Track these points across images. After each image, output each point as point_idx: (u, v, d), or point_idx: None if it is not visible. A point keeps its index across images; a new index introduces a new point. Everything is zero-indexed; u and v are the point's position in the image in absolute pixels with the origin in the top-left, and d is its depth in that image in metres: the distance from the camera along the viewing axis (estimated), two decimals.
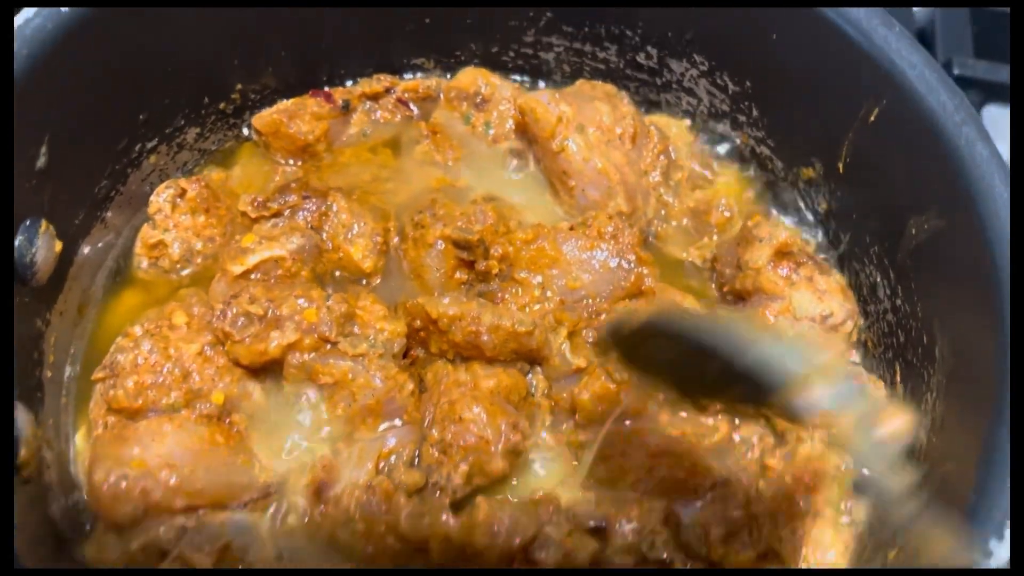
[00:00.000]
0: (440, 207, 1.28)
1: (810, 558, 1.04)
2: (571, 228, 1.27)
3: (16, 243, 1.01)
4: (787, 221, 1.37)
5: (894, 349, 1.15)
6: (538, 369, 1.22)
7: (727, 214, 1.30)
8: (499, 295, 1.24)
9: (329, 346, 1.13)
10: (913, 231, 1.10)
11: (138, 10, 1.11)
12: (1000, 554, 0.80)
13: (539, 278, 1.25)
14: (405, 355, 1.20)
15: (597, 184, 1.30)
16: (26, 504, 0.93)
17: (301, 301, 1.13)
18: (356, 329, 1.15)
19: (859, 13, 1.12)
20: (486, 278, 1.26)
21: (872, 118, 1.13)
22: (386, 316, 1.17)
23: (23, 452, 0.95)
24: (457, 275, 1.27)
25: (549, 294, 1.24)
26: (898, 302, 1.15)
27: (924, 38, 1.80)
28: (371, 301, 1.18)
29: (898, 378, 1.13)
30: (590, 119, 1.31)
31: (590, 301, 1.24)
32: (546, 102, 1.31)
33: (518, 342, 1.18)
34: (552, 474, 1.15)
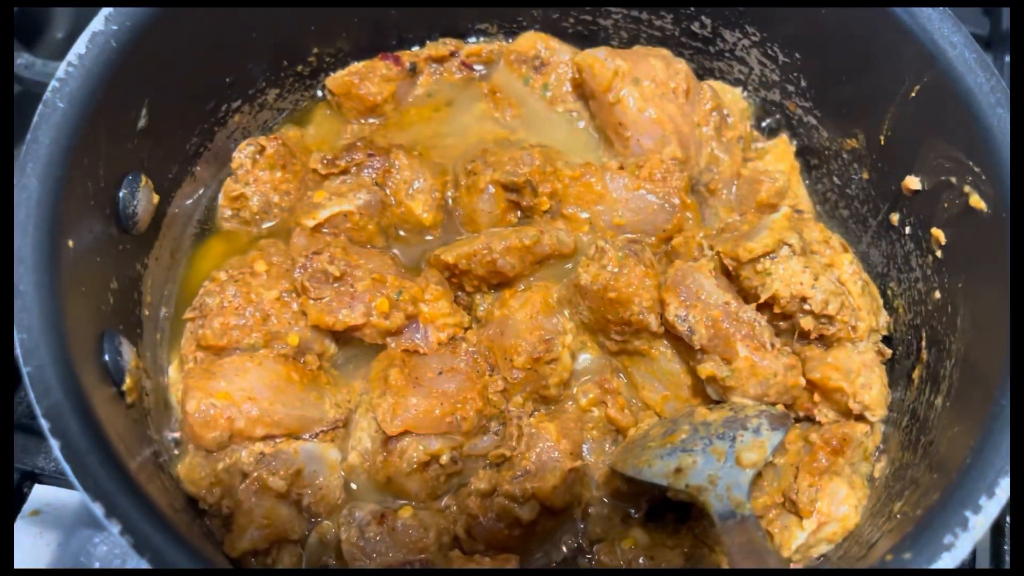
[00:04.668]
0: (491, 155, 1.37)
1: (824, 510, 1.13)
2: (620, 167, 1.35)
3: (120, 195, 1.14)
4: (831, 191, 1.43)
5: (922, 316, 1.21)
6: None
7: (777, 184, 1.36)
8: None
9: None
10: (945, 204, 1.15)
11: None
12: (989, 510, 0.88)
13: (586, 214, 1.34)
14: (456, 300, 1.31)
15: (651, 133, 1.38)
16: (130, 426, 1.07)
17: (377, 295, 1.21)
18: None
19: None
20: (532, 214, 1.36)
21: (913, 94, 1.17)
22: (450, 312, 1.26)
23: (128, 380, 1.08)
24: (508, 216, 1.37)
25: (596, 230, 1.33)
26: (928, 271, 1.20)
27: None
28: (435, 296, 1.25)
29: (923, 343, 1.20)
30: (645, 73, 1.38)
31: (633, 239, 1.33)
32: (602, 57, 1.39)
33: (533, 254, 1.28)
34: None
